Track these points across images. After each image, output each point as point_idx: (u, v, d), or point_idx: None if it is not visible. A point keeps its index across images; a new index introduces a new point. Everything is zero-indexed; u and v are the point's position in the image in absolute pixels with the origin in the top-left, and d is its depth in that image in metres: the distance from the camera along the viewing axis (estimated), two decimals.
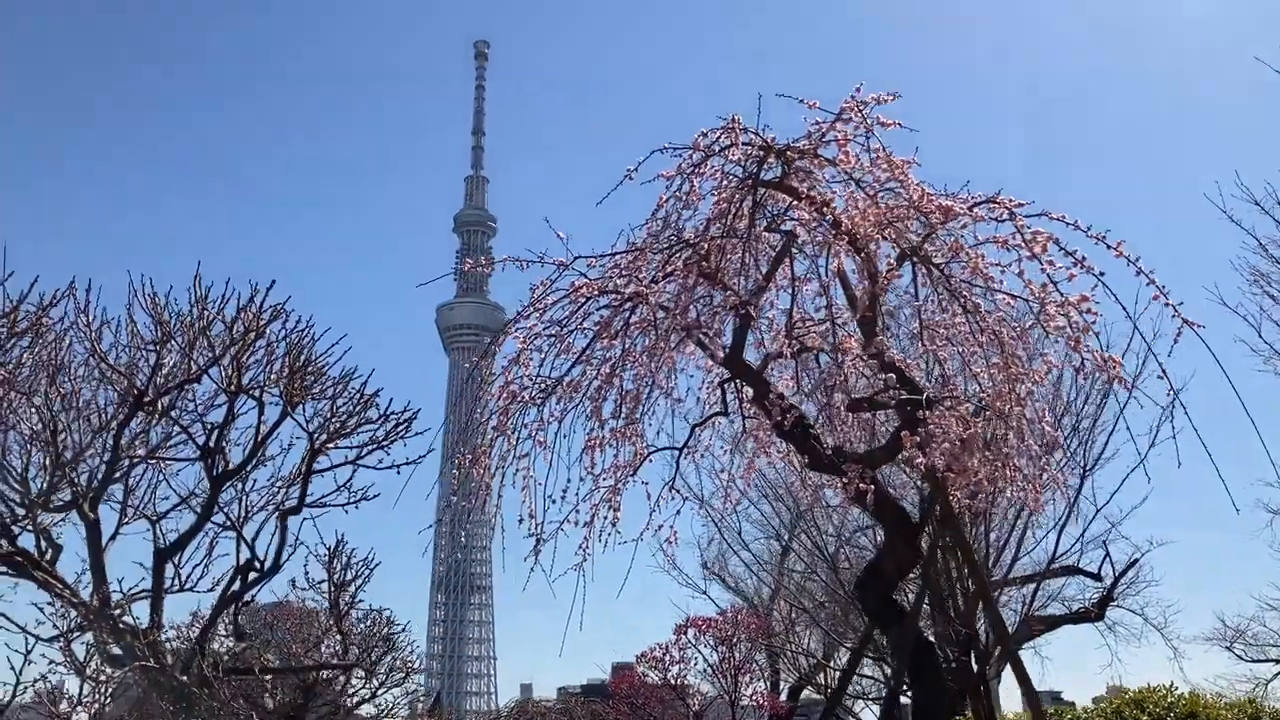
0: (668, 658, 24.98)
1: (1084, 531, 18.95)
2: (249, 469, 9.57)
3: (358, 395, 9.28)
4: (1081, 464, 16.84)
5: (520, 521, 9.54)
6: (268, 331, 8.81)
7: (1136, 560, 21.40)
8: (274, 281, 8.95)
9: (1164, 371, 6.89)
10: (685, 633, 25.04)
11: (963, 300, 7.76)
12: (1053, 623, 21.49)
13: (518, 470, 9.31)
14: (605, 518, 10.12)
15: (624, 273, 9.33)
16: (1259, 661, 29.45)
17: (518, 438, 9.37)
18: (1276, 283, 14.55)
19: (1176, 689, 12.10)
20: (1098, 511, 17.75)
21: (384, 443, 9.32)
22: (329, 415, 9.22)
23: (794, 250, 9.12)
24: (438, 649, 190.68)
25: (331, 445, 9.09)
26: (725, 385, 10.34)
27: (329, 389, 9.06)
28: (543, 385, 9.51)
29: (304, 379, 8.55)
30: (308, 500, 9.40)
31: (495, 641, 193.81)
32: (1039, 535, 19.44)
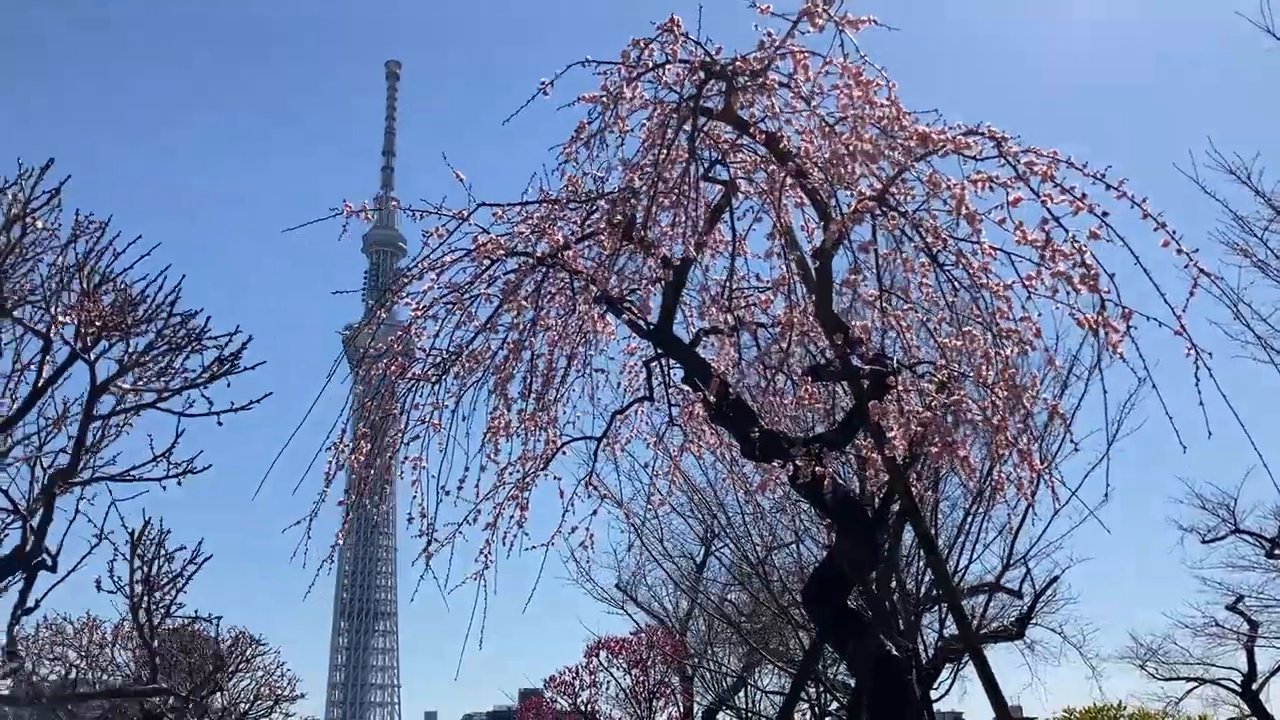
0: (577, 682, 23.45)
1: (1042, 533, 17.87)
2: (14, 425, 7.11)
3: (179, 326, 7.05)
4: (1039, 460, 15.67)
5: (410, 521, 8.10)
6: (51, 231, 6.52)
7: (1057, 578, 20.73)
8: (52, 160, 6.69)
9: (1182, 327, 5.74)
10: (596, 655, 23.56)
11: (936, 252, 6.54)
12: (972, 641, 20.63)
13: (405, 459, 7.86)
14: (511, 517, 8.76)
15: (536, 228, 7.97)
16: (1170, 680, 29.27)
17: (407, 420, 7.94)
18: (1258, 258, 13.74)
19: (1126, 708, 11.19)
20: (1055, 513, 16.71)
21: (200, 380, 7.16)
22: (128, 349, 6.92)
23: (734, 203, 7.88)
24: (340, 677, 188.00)
25: (126, 386, 6.87)
26: (651, 365, 9.04)
27: (142, 320, 6.77)
28: (439, 359, 8.10)
29: (98, 303, 6.43)
30: (112, 474, 7.34)
31: (400, 668, 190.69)
32: (980, 543, 18.35)
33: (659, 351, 8.74)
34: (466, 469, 7.74)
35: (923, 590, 18.15)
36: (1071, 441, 7.87)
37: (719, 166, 7.75)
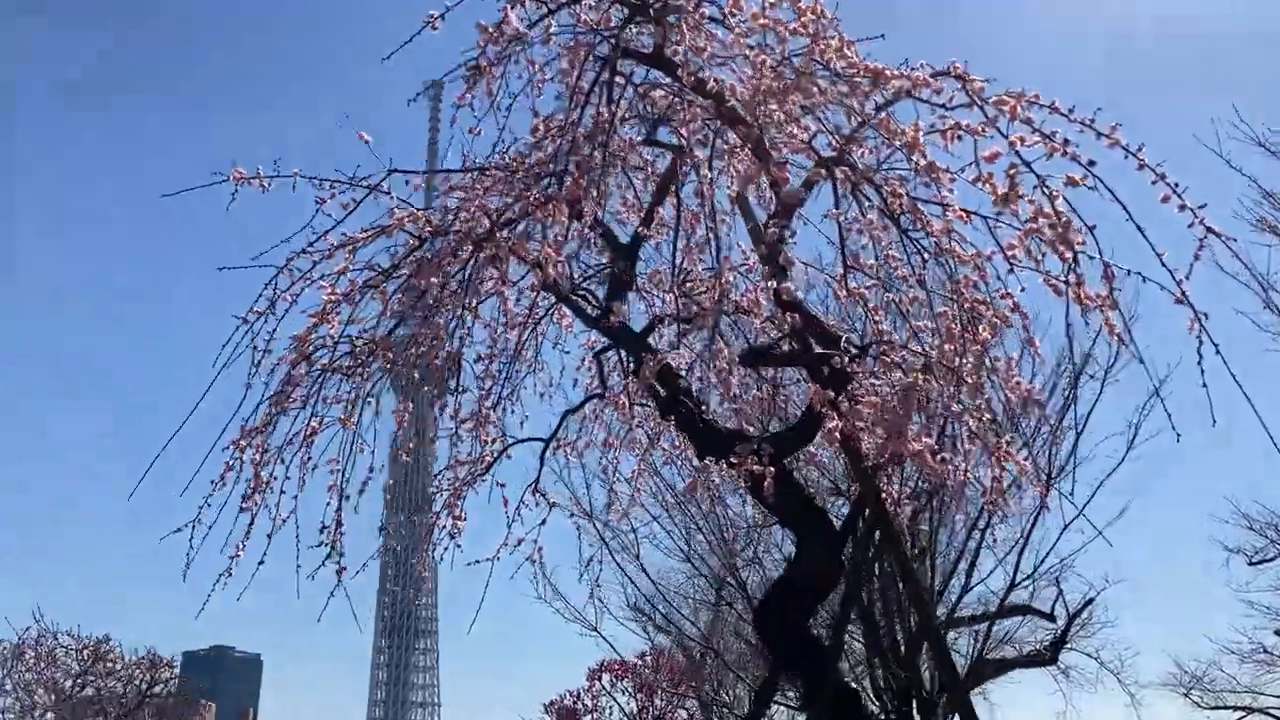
0: (579, 706, 22.37)
1: (1050, 551, 16.58)
2: None
3: None
4: (1045, 472, 14.41)
5: (322, 530, 7.20)
6: None
7: (1092, 599, 19.42)
8: None
9: (1183, 294, 4.72)
10: (599, 678, 22.48)
11: (897, 215, 5.55)
12: (1002, 666, 19.45)
13: (309, 460, 6.95)
14: (443, 528, 7.88)
15: (469, 199, 7.07)
16: (1216, 709, 27.65)
17: (311, 414, 7.04)
18: None
19: None
20: (1065, 527, 15.38)
21: None
22: None
23: (684, 172, 6.94)
24: (381, 694, 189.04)
25: None
26: (602, 356, 8.14)
27: None
28: (355, 348, 7.21)
29: None
30: None
31: (440, 687, 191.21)
32: (990, 561, 17.05)
33: (609, 341, 7.86)
34: (370, 471, 6.87)
35: (950, 608, 16.97)
36: (1047, 421, 6.80)
37: (665, 131, 6.87)
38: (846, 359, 5.54)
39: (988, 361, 5.38)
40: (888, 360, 5.89)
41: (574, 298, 7.82)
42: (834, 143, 5.79)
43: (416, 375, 6.93)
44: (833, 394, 5.36)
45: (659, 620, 25.67)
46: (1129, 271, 4.74)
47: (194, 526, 6.60)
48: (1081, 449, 15.06)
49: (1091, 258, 4.73)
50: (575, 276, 8.04)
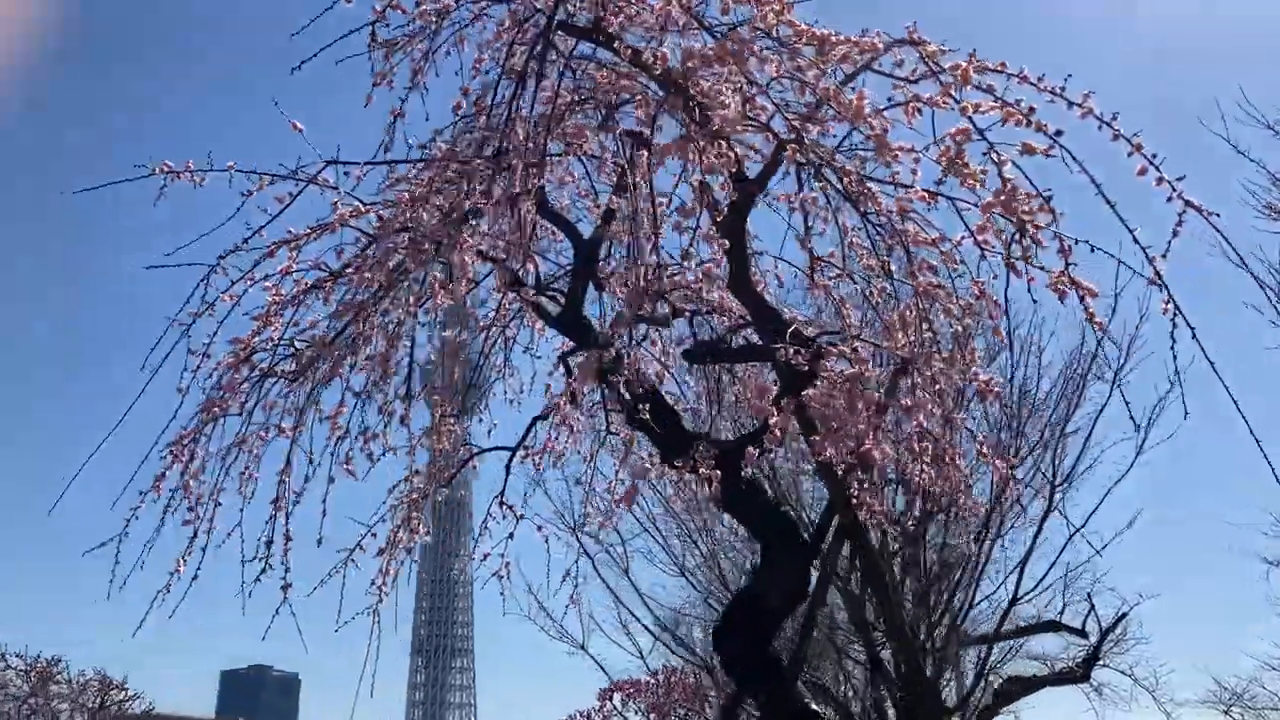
0: None
1: (1053, 563, 15.91)
2: None
3: None
4: (1049, 480, 13.77)
5: (268, 543, 6.79)
6: None
7: (1125, 614, 18.72)
8: None
9: (1158, 275, 4.24)
10: (611, 698, 21.94)
11: (855, 197, 5.10)
12: (1032, 684, 18.77)
13: (245, 472, 6.57)
14: (403, 543, 7.50)
15: (421, 194, 6.69)
16: None
17: (248, 423, 6.66)
18: None
19: None
20: (1070, 538, 14.67)
21: None
22: None
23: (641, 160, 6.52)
24: (418, 714, 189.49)
25: None
26: (570, 359, 7.72)
27: None
28: (298, 351, 6.82)
29: None
30: None
31: (477, 707, 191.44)
32: (999, 573, 16.38)
33: (575, 344, 7.45)
34: (306, 481, 6.49)
35: (954, 621, 16.39)
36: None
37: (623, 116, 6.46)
38: (793, 352, 5.08)
39: (937, 349, 4.90)
40: (835, 352, 5.42)
41: (541, 299, 7.45)
42: (789, 121, 5.36)
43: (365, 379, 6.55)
44: (774, 390, 4.92)
45: (650, 638, 25.01)
46: (1077, 242, 4.25)
47: (120, 540, 6.26)
48: (1092, 454, 14.48)
49: (1043, 229, 4.25)
50: (544, 275, 7.69)
